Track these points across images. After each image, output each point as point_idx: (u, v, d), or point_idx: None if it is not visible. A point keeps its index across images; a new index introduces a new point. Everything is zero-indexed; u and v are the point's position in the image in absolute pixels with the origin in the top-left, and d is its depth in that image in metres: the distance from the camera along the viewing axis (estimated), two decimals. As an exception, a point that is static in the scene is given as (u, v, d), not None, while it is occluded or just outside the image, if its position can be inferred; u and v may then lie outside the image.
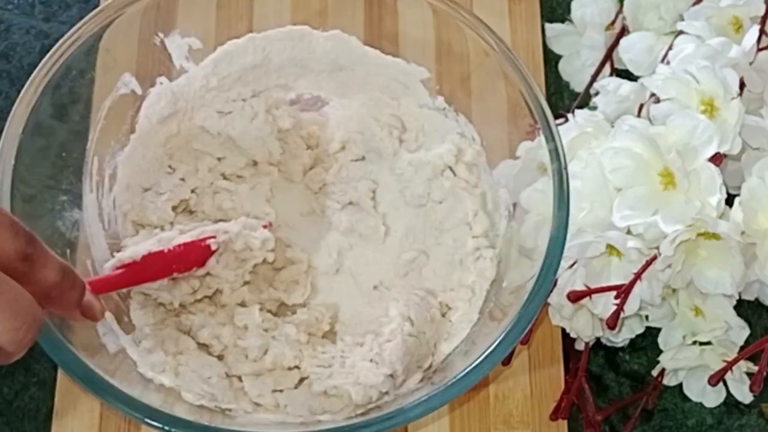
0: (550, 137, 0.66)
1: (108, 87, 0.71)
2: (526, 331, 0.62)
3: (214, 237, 0.68)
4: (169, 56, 0.74)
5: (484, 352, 0.61)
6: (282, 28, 0.75)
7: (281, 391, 0.67)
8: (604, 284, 0.67)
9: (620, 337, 0.71)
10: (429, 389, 0.62)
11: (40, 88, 0.66)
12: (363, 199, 0.74)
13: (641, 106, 0.74)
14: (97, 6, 0.80)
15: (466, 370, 0.60)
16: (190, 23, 0.74)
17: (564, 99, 0.82)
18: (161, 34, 0.73)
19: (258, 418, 0.65)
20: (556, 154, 0.65)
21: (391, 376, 0.66)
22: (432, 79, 0.75)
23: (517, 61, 0.68)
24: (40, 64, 0.67)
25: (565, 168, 0.65)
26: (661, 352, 0.72)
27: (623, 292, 0.66)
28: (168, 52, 0.74)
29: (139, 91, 0.73)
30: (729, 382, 0.71)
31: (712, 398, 0.72)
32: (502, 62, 0.69)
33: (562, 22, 0.84)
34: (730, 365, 0.68)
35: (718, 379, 0.68)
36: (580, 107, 0.77)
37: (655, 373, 0.73)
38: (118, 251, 0.67)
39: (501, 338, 0.61)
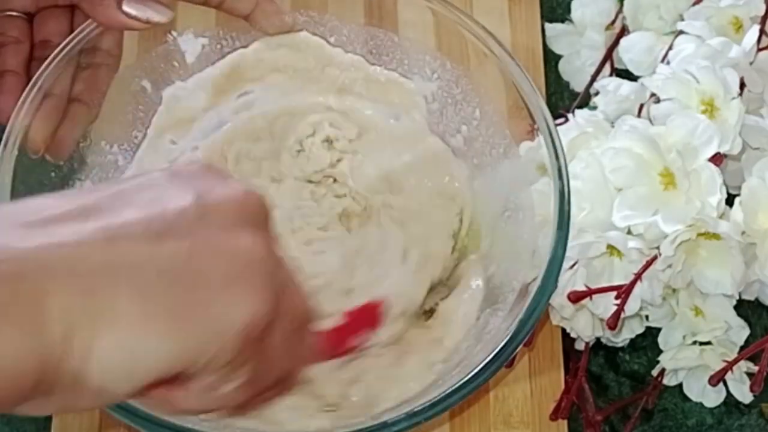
0: (550, 138, 0.66)
1: (118, 85, 0.71)
2: (529, 335, 0.61)
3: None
4: (182, 55, 0.73)
5: (487, 357, 0.60)
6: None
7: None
8: (605, 284, 0.67)
9: (620, 337, 0.71)
10: (430, 395, 0.61)
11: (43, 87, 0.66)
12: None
13: (641, 106, 0.74)
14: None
15: (468, 376, 0.59)
16: (203, 22, 0.73)
17: (564, 99, 0.82)
18: (174, 33, 0.73)
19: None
20: (555, 154, 0.65)
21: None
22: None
23: (514, 61, 0.68)
24: (43, 66, 0.66)
25: (565, 168, 0.65)
26: (661, 352, 0.72)
27: (624, 292, 0.66)
28: (182, 51, 0.73)
29: (150, 89, 0.73)
30: (729, 382, 0.71)
31: (712, 398, 0.72)
32: (500, 63, 0.69)
33: (562, 22, 0.84)
34: (730, 365, 0.68)
35: (718, 379, 0.69)
36: (580, 107, 0.77)
37: (655, 373, 0.73)
38: None
39: (504, 342, 0.60)
